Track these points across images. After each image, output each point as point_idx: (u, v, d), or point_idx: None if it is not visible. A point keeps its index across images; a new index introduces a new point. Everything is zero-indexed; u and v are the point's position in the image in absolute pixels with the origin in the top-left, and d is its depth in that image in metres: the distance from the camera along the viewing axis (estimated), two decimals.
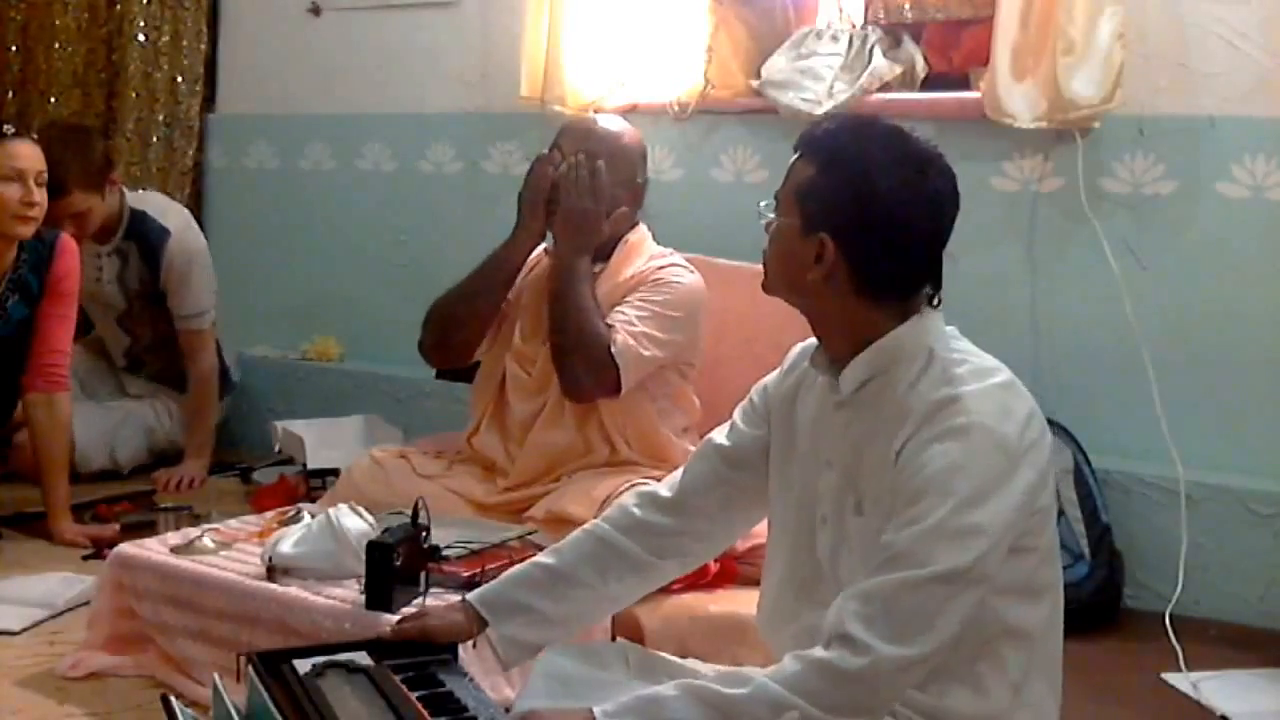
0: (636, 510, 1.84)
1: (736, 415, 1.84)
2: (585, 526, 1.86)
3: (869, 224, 1.58)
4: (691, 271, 2.77)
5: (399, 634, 1.75)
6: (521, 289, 2.86)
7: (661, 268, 2.74)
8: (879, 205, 1.57)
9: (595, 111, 3.61)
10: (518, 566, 1.85)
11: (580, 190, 2.68)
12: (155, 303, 3.87)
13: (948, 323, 1.65)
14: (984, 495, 1.48)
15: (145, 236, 3.78)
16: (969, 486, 1.48)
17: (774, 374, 1.80)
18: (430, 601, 2.03)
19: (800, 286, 1.64)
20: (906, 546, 1.47)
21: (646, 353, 2.64)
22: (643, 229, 2.84)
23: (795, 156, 1.66)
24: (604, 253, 2.77)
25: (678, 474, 1.87)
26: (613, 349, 2.60)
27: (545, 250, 2.85)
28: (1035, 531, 1.57)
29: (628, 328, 2.64)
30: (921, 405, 1.54)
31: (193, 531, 2.51)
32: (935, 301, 1.63)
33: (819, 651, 1.46)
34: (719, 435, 1.84)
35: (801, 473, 1.72)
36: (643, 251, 2.80)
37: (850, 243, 1.59)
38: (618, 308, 2.69)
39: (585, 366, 2.62)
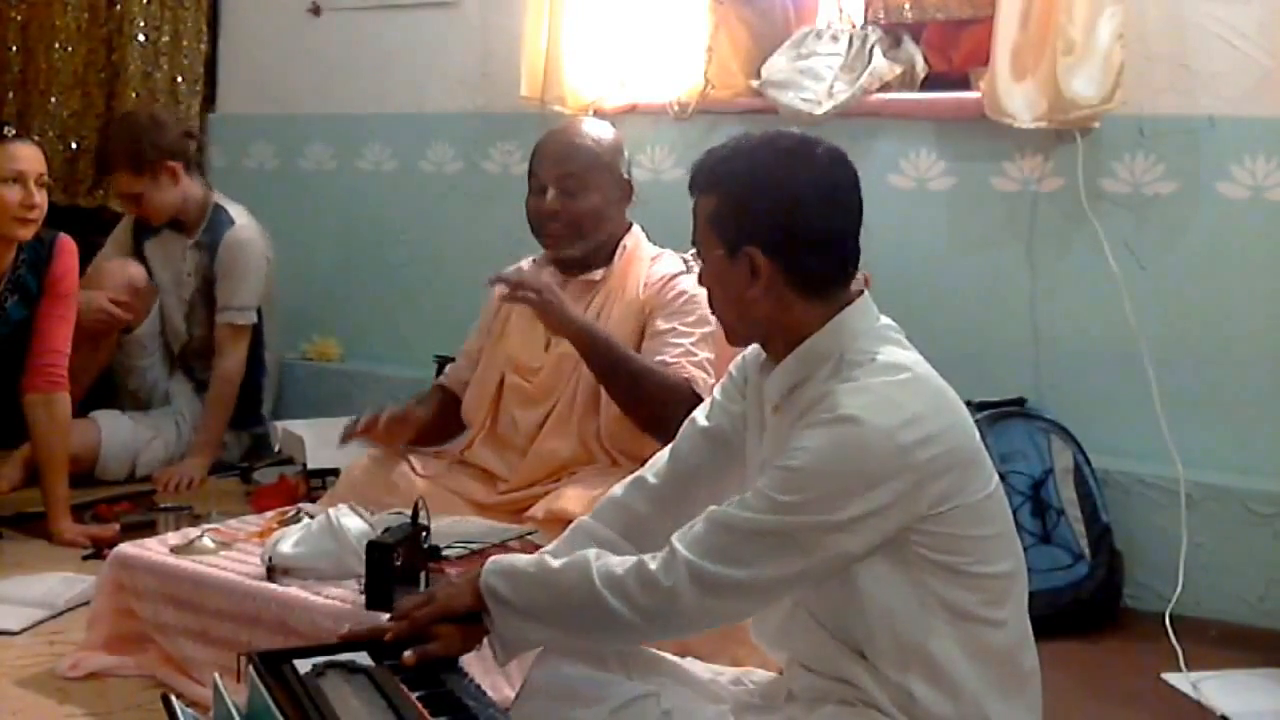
0: (625, 500, 1.86)
1: (717, 392, 1.86)
2: (575, 523, 1.87)
3: (788, 224, 1.63)
4: (692, 273, 2.77)
5: (422, 656, 1.69)
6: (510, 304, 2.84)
7: (671, 279, 2.73)
8: (790, 204, 1.63)
9: (595, 111, 3.62)
10: None
11: (532, 290, 2.59)
12: (211, 299, 3.94)
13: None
14: (838, 484, 1.52)
15: (216, 227, 3.92)
16: (823, 474, 1.53)
17: (752, 347, 1.81)
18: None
19: (748, 310, 1.68)
20: (752, 500, 1.57)
21: (712, 378, 2.61)
22: (636, 230, 2.84)
23: (694, 196, 1.70)
24: (606, 257, 2.76)
25: (664, 457, 1.87)
26: (696, 388, 2.54)
27: (534, 261, 2.83)
28: (962, 522, 1.57)
29: (690, 359, 2.61)
30: (811, 400, 1.59)
31: (193, 531, 2.51)
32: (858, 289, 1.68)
33: (680, 545, 1.58)
34: (700, 415, 1.85)
35: (750, 468, 1.76)
36: (641, 255, 2.80)
37: (777, 247, 1.64)
38: (661, 339, 2.64)
39: (683, 416, 2.56)
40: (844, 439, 1.53)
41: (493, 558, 1.71)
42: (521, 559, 1.70)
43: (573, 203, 2.70)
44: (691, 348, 2.64)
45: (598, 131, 2.80)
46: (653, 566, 1.58)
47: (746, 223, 1.65)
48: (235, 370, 3.90)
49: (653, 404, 2.56)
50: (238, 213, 3.96)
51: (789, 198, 1.63)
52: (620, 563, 1.61)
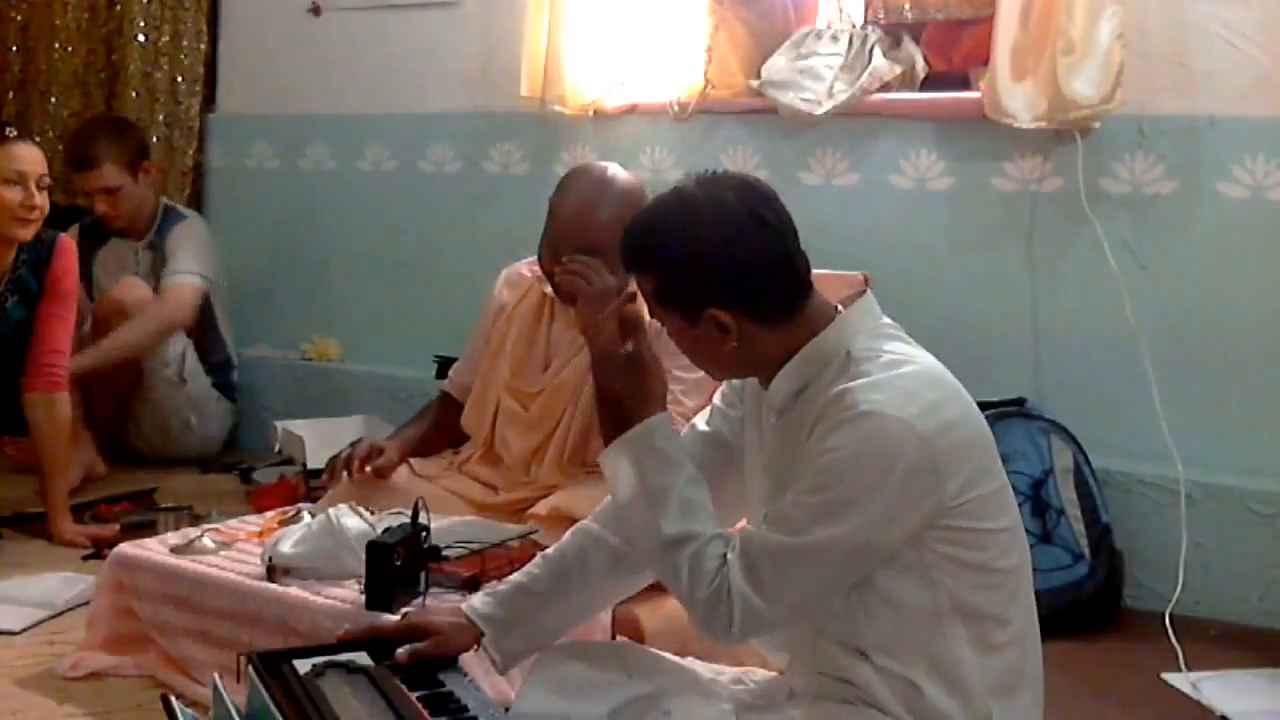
0: None
1: (716, 398, 1.86)
2: (578, 526, 1.87)
3: (732, 275, 1.63)
4: None
5: (415, 655, 1.71)
6: (510, 318, 2.80)
7: None
8: (725, 256, 1.63)
9: (595, 111, 3.61)
10: (513, 576, 1.85)
11: (593, 277, 2.51)
12: None
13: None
14: (866, 480, 1.53)
15: (167, 226, 4.05)
16: (852, 469, 1.53)
17: None
18: (431, 602, 2.04)
19: (729, 361, 1.69)
20: (788, 512, 1.57)
21: (690, 420, 2.61)
22: None
23: (634, 278, 1.71)
24: None
25: None
26: None
27: (536, 278, 2.80)
28: (978, 515, 1.58)
29: (676, 409, 2.57)
30: (828, 399, 1.59)
31: (193, 531, 2.51)
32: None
33: (733, 573, 1.58)
34: (700, 420, 1.86)
35: (749, 474, 1.76)
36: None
37: (733, 299, 1.64)
38: None
39: None
40: (869, 433, 1.53)
41: (662, 417, 1.70)
42: (672, 457, 1.68)
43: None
44: (680, 395, 2.59)
45: (624, 206, 2.55)
46: (719, 606, 1.58)
47: (695, 290, 1.65)
48: (168, 308, 3.88)
49: None
50: (188, 212, 4.17)
51: (721, 250, 1.62)
52: (711, 580, 1.59)
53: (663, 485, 1.65)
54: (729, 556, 1.59)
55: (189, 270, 3.96)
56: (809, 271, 1.68)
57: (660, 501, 1.64)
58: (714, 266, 1.63)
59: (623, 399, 1.71)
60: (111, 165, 3.89)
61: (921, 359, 1.64)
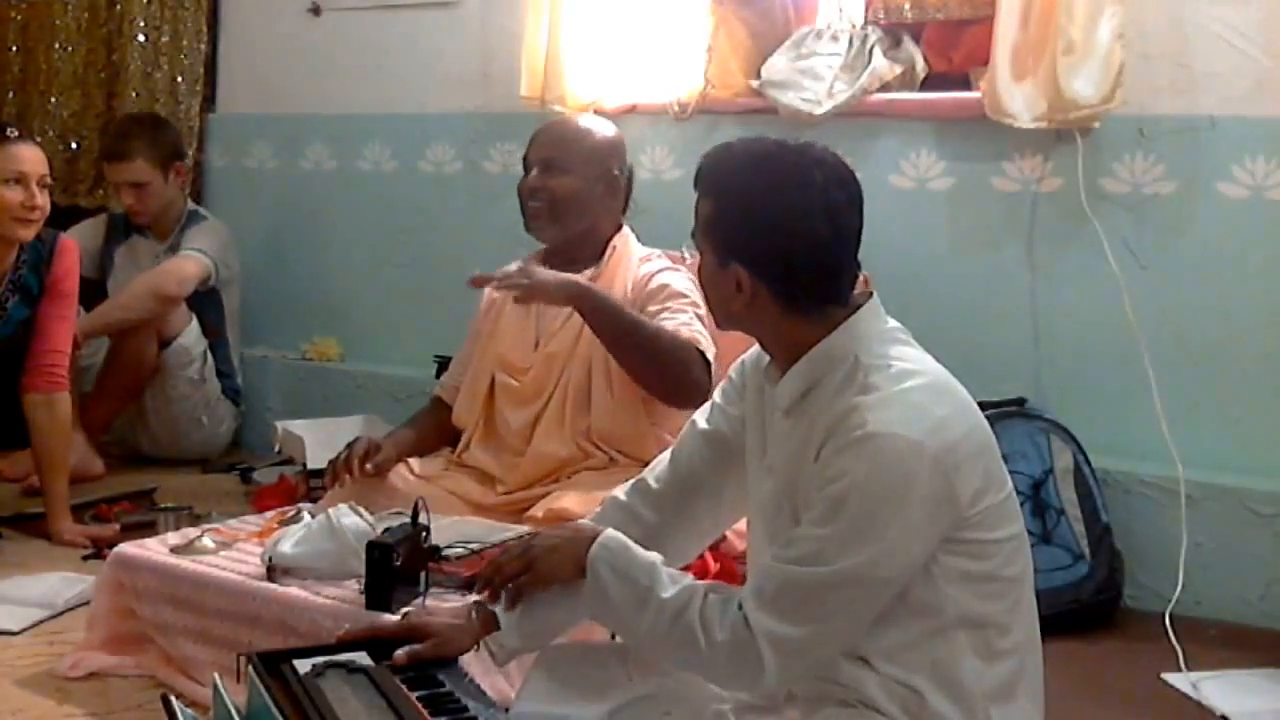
0: (629, 505, 1.86)
1: (716, 394, 1.86)
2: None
3: (771, 247, 1.61)
4: (680, 270, 2.78)
5: (413, 657, 1.71)
6: (499, 307, 2.85)
7: (654, 275, 2.74)
8: (775, 227, 1.61)
9: (595, 110, 3.62)
10: None
11: (529, 272, 2.60)
12: (194, 301, 3.98)
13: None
14: (882, 503, 1.51)
15: (192, 225, 4.07)
16: (867, 493, 1.51)
17: (753, 350, 1.80)
18: (431, 603, 2.04)
19: (733, 316, 1.68)
20: (808, 548, 1.54)
21: (713, 346, 2.65)
22: (627, 231, 2.85)
23: (696, 192, 1.69)
24: (593, 255, 2.76)
25: (665, 460, 1.87)
26: (701, 348, 2.57)
27: (524, 259, 2.83)
28: (986, 525, 1.57)
29: (688, 329, 2.63)
30: (834, 414, 1.57)
31: (193, 531, 2.52)
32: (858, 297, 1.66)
33: (733, 614, 1.56)
34: (700, 417, 1.85)
35: (752, 473, 1.75)
36: (630, 256, 2.81)
37: (761, 267, 1.62)
38: (655, 319, 2.65)
39: (696, 378, 2.57)
40: (878, 455, 1.51)
41: (605, 537, 1.67)
42: (636, 557, 1.66)
43: (552, 181, 2.74)
44: (687, 321, 2.64)
45: (592, 124, 2.88)
46: (745, 636, 1.56)
47: (736, 239, 1.63)
48: (162, 274, 3.88)
49: (667, 365, 2.56)
50: (212, 216, 4.16)
51: (780, 222, 1.61)
52: (720, 622, 1.57)
53: (640, 579, 1.63)
54: (742, 598, 1.57)
55: (195, 248, 3.96)
56: (849, 284, 1.65)
57: (649, 584, 1.62)
58: (764, 231, 1.61)
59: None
60: (143, 161, 3.94)
61: (928, 367, 1.63)
